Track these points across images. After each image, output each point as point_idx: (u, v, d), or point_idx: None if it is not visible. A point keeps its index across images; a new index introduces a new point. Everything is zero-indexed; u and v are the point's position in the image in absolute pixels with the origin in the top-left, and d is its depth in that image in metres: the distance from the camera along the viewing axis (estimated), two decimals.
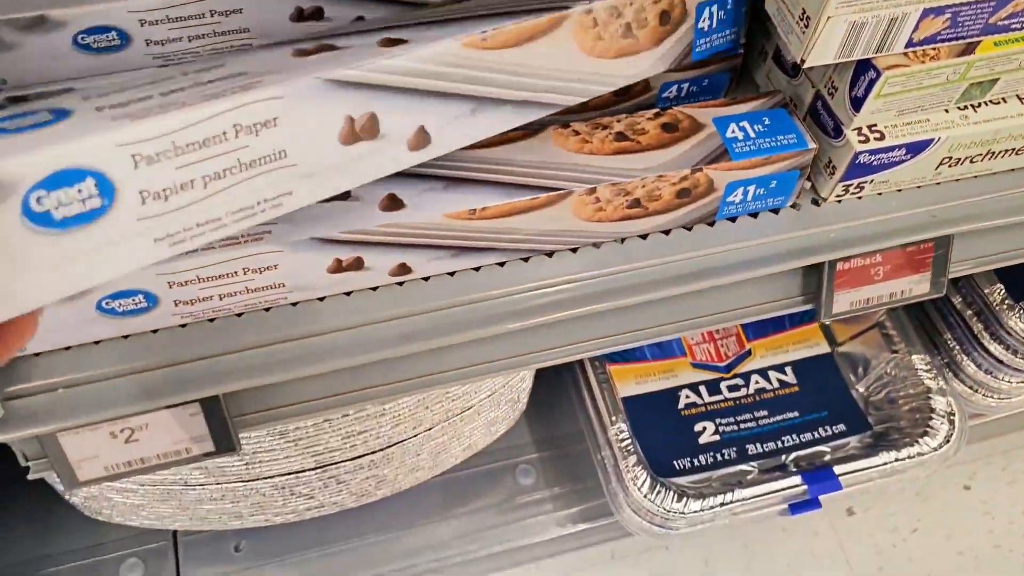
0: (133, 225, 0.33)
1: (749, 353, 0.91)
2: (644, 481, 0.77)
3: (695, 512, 0.76)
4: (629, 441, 0.79)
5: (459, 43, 0.40)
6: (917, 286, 0.59)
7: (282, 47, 0.42)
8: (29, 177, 0.29)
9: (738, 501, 0.77)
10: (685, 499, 0.76)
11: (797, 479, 0.78)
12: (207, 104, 0.33)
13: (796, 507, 0.80)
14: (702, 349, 0.91)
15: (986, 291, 0.81)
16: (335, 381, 0.53)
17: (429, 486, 0.84)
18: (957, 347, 0.86)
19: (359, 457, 0.70)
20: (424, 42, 0.40)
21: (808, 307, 0.58)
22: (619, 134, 0.54)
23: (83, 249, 0.31)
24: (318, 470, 0.70)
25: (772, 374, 0.90)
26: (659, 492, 0.76)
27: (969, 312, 0.84)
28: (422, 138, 0.41)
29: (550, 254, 0.54)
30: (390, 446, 0.70)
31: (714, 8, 0.53)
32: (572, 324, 0.55)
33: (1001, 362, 0.83)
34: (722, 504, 0.76)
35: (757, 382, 0.90)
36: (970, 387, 0.87)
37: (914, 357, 0.85)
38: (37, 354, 0.48)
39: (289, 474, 0.70)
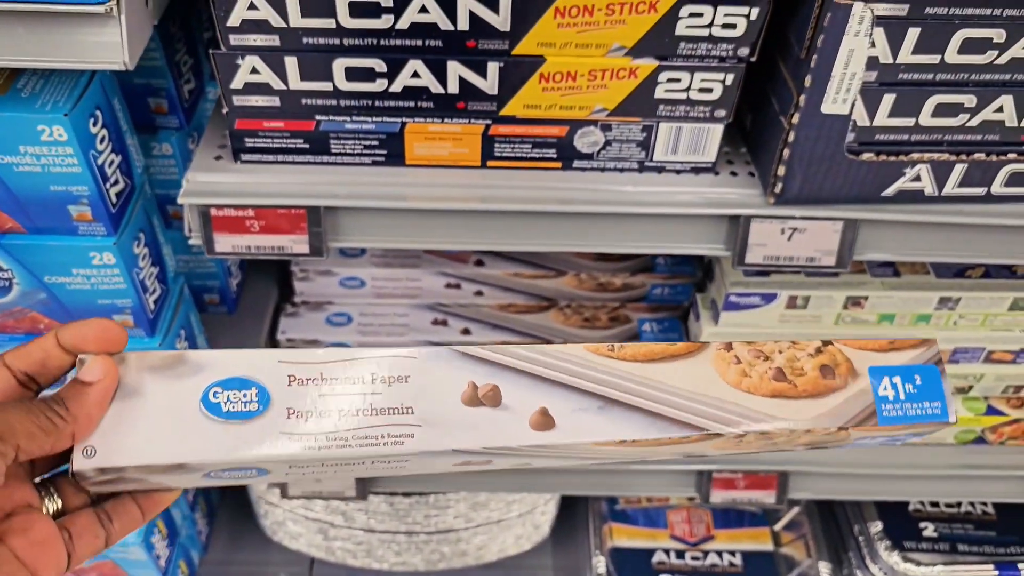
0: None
1: (712, 538, 1.30)
2: None
3: None
4: (606, 572, 1.19)
5: (582, 347, 0.47)
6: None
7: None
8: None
9: None
10: None
11: None
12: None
13: None
14: (680, 527, 1.31)
15: (869, 525, 1.19)
16: None
17: (472, 571, 1.27)
18: (854, 562, 1.22)
19: (433, 533, 1.15)
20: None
21: None
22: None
23: None
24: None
25: (726, 556, 1.28)
26: None
27: (861, 539, 1.21)
28: (545, 420, 0.45)
29: None
30: (449, 531, 1.15)
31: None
32: None
33: None
34: None
35: (713, 559, 1.28)
36: None
37: (821, 564, 1.22)
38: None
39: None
